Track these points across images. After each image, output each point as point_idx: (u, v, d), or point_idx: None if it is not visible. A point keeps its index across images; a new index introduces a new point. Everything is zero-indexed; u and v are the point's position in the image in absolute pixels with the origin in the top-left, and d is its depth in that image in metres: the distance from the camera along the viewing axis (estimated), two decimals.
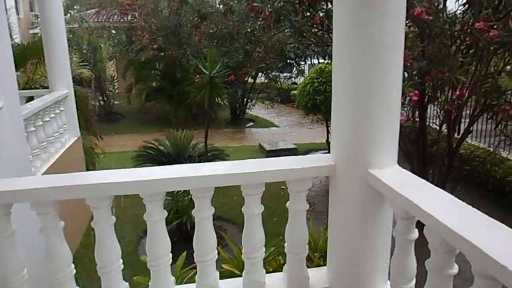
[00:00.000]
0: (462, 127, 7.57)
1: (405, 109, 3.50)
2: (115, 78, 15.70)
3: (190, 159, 7.27)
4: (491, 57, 3.85)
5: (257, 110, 13.69)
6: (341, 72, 1.83)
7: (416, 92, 3.04)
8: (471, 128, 5.48)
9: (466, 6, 3.49)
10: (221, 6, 6.17)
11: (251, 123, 13.48)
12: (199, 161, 6.97)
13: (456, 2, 3.54)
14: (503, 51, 3.72)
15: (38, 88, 7.44)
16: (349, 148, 1.79)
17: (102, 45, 15.14)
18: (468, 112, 5.44)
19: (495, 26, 3.61)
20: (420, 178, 1.63)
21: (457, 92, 3.65)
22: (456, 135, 6.42)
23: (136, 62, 14.34)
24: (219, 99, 6.55)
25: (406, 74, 3.47)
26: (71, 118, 6.48)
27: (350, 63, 1.77)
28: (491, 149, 7.19)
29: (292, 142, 10.52)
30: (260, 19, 4.45)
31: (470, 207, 1.37)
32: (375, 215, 1.80)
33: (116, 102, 15.69)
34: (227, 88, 6.89)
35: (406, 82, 3.10)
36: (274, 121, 13.66)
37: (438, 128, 5.70)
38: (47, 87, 6.53)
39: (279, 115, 14.31)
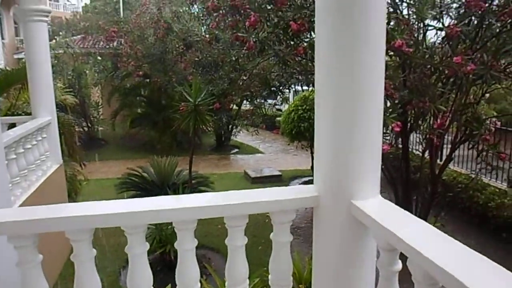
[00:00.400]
0: (445, 152, 7.71)
1: (388, 138, 3.55)
2: (99, 104, 15.65)
3: (174, 187, 7.21)
4: (470, 86, 3.96)
5: (242, 136, 13.72)
6: (322, 102, 1.86)
7: (398, 123, 3.09)
8: (453, 155, 5.58)
9: (445, 38, 3.61)
10: (206, 35, 6.24)
11: (236, 150, 13.49)
12: (183, 189, 6.91)
13: (435, 35, 3.66)
14: (481, 82, 3.83)
15: (21, 115, 7.36)
16: (332, 179, 1.80)
17: (87, 71, 15.14)
18: (450, 138, 5.55)
19: (472, 58, 3.75)
20: (403, 210, 1.64)
21: (438, 122, 3.72)
22: (438, 161, 6.52)
23: (121, 89, 14.35)
24: (203, 126, 6.56)
25: (388, 104, 3.54)
26: (54, 145, 6.40)
27: (331, 94, 1.80)
28: (473, 175, 7.31)
29: (277, 169, 10.53)
30: (245, 48, 4.51)
31: (453, 239, 1.38)
32: (359, 246, 1.79)
33: (101, 128, 15.60)
34: (212, 115, 6.91)
35: (388, 113, 3.16)
36: (259, 147, 13.70)
37: (421, 154, 5.79)
38: (30, 114, 6.46)
39: (264, 142, 14.36)
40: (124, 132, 14.37)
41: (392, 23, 4.02)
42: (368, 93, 1.76)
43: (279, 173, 10.16)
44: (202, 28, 7.90)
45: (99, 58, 15.53)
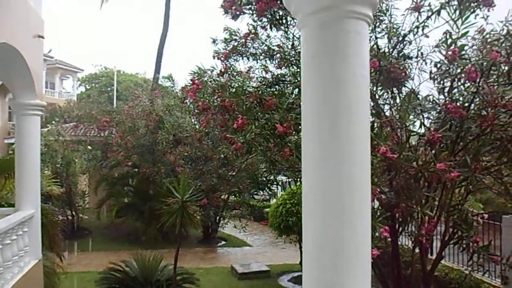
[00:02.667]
0: (435, 244, 7.59)
1: (375, 242, 3.50)
2: (86, 193, 15.48)
3: (158, 284, 6.91)
4: (454, 189, 4.03)
5: (230, 228, 13.49)
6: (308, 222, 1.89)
7: (386, 228, 3.09)
8: (443, 253, 5.49)
9: (427, 143, 3.74)
10: (197, 129, 6.41)
11: (224, 242, 13.18)
12: (167, 286, 6.63)
13: (418, 141, 3.79)
14: (466, 183, 3.91)
15: (3, 206, 7.22)
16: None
17: (76, 160, 15.18)
18: (440, 228, 5.51)
19: (456, 160, 3.87)
20: None
21: (426, 227, 3.73)
22: (429, 255, 6.39)
23: (109, 178, 14.31)
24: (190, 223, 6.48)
25: (375, 205, 3.56)
26: (34, 239, 6.20)
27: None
28: (466, 271, 7.14)
29: (265, 263, 10.22)
30: (232, 147, 4.61)
31: None
32: None
33: (86, 217, 15.25)
34: (200, 209, 6.86)
35: (376, 216, 3.17)
36: (247, 240, 13.40)
37: (411, 248, 5.68)
38: (13, 205, 6.35)
39: (252, 234, 14.08)
40: (109, 221, 14.05)
41: (375, 128, 4.19)
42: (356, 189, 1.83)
43: (267, 269, 9.84)
44: (193, 119, 8.11)
45: (89, 147, 15.67)
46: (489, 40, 3.91)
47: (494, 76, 3.77)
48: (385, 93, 5.21)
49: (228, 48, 5.90)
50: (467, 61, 3.61)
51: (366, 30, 2.13)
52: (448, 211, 4.08)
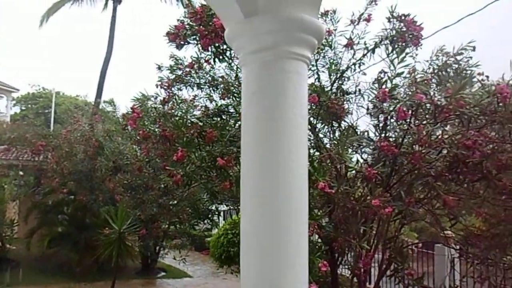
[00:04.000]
0: (373, 272, 7.80)
1: (314, 276, 3.54)
2: (15, 221, 14.44)
3: None
4: (390, 222, 4.19)
5: (170, 258, 13.07)
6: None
7: (325, 262, 3.13)
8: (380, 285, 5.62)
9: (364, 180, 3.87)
10: (138, 156, 6.24)
11: (163, 273, 12.69)
12: None
13: (355, 175, 3.91)
14: (401, 217, 4.09)
15: None
16: None
17: (5, 186, 14.21)
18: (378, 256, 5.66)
19: (391, 194, 4.04)
20: None
21: (363, 260, 3.83)
22: (369, 284, 6.52)
23: (42, 205, 13.46)
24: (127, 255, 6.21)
25: (314, 240, 3.60)
26: None
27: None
28: None
29: None
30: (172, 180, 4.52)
31: None
32: None
33: (13, 247, 14.17)
34: (139, 239, 6.61)
35: (314, 251, 3.21)
36: (187, 270, 12.99)
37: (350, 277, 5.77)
38: None
39: (193, 264, 13.69)
40: (40, 252, 13.13)
41: (316, 161, 4.30)
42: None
43: None
44: (134, 146, 7.90)
45: (21, 172, 14.74)
46: (418, 80, 4.16)
47: (423, 115, 4.01)
48: (326, 127, 5.39)
49: (172, 77, 5.87)
50: (397, 100, 3.82)
51: (305, 70, 2.20)
52: (384, 244, 4.23)
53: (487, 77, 4.04)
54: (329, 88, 5.17)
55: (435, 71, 4.72)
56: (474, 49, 4.75)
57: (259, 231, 1.96)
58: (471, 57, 4.71)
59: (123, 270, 11.88)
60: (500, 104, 3.32)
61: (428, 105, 3.72)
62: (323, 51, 5.24)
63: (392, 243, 4.25)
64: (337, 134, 5.16)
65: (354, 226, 3.61)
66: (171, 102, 5.85)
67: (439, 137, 3.81)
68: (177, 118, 5.10)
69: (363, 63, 5.21)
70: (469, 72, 4.64)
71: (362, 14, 5.25)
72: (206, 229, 9.84)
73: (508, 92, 3.23)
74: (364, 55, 5.28)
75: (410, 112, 3.83)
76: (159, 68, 5.85)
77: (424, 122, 3.95)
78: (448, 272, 6.67)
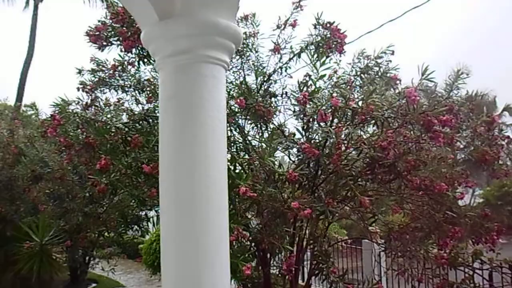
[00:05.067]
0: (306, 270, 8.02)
1: (239, 278, 3.56)
2: None
3: None
4: (314, 222, 4.32)
5: (102, 267, 12.54)
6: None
7: (249, 265, 3.16)
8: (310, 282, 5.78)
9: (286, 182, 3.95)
10: (59, 170, 5.89)
11: (94, 285, 12.12)
12: None
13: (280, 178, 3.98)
14: (324, 217, 4.22)
15: None
16: None
17: None
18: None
19: (314, 196, 4.17)
20: None
21: (287, 262, 3.91)
22: (302, 282, 6.67)
23: None
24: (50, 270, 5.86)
25: (238, 245, 3.62)
26: None
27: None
28: None
29: None
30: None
31: None
32: None
33: None
34: (66, 250, 6.27)
35: (239, 254, 3.22)
36: (120, 280, 12.52)
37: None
38: None
39: (126, 272, 13.23)
40: None
41: (244, 164, 4.33)
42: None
43: None
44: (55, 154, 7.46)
45: None
46: (338, 83, 4.34)
47: (342, 118, 4.18)
48: (255, 129, 5.45)
49: (95, 80, 5.63)
50: (317, 103, 3.95)
51: (223, 74, 2.19)
52: (309, 244, 4.35)
53: (400, 80, 4.31)
54: (256, 91, 5.23)
55: (358, 73, 4.97)
56: (393, 53, 5.05)
57: (177, 236, 1.95)
58: (390, 61, 5.01)
59: (50, 285, 11.17)
60: (410, 107, 3.54)
61: (347, 109, 3.88)
62: (247, 54, 5.30)
63: (317, 242, 4.38)
64: (266, 136, 5.24)
65: (277, 227, 3.67)
66: (94, 107, 5.62)
67: (359, 138, 3.99)
68: (101, 124, 4.90)
69: (289, 67, 5.34)
70: (389, 75, 4.94)
71: (288, 19, 5.37)
72: (137, 236, 9.53)
73: (415, 95, 3.45)
74: (290, 59, 5.41)
75: (330, 115, 3.97)
76: (80, 72, 5.59)
77: (344, 124, 4.11)
78: (373, 266, 7.02)
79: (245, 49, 5.38)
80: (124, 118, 5.49)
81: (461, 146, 4.94)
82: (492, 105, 37.29)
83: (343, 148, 3.87)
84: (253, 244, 4.09)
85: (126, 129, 4.71)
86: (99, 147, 4.46)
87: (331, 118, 4.03)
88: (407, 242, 4.81)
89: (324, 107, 3.84)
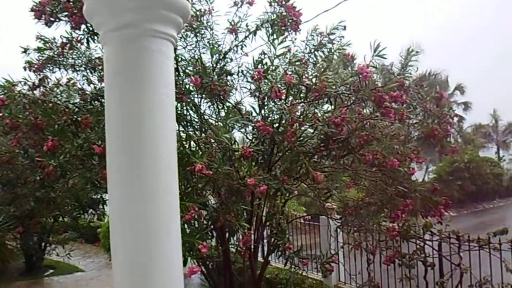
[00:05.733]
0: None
1: (195, 257, 3.56)
2: None
3: None
4: (271, 200, 4.38)
5: (60, 253, 12.22)
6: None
7: (205, 244, 3.15)
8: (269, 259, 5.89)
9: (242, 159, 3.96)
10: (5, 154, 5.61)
11: (52, 271, 11.81)
12: None
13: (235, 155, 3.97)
14: (279, 194, 4.27)
15: None
16: None
17: None
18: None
19: (270, 173, 4.20)
20: None
21: (242, 239, 3.94)
22: (261, 258, 6.78)
23: None
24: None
25: (196, 224, 3.61)
26: None
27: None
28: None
29: None
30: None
31: None
32: None
33: None
34: (18, 237, 6.04)
35: (195, 233, 3.21)
36: (78, 264, 12.28)
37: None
38: None
39: (85, 257, 13.00)
40: None
41: (200, 143, 4.28)
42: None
43: None
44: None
45: None
46: (292, 61, 4.35)
47: (297, 95, 4.20)
48: (211, 108, 5.40)
49: (43, 59, 5.37)
50: (272, 80, 3.94)
51: (171, 49, 2.12)
52: (266, 221, 4.41)
53: (353, 57, 4.36)
54: (212, 70, 5.15)
55: (312, 51, 4.99)
56: (345, 28, 5.10)
57: (125, 216, 1.89)
58: (343, 37, 5.06)
59: (4, 273, 10.82)
60: (363, 84, 3.59)
61: (301, 86, 3.90)
62: (202, 32, 5.20)
63: (274, 219, 4.44)
64: (222, 115, 5.19)
65: (234, 205, 3.68)
66: (43, 87, 5.38)
67: (313, 116, 4.03)
68: (50, 105, 4.69)
69: (245, 45, 5.30)
70: (342, 51, 4.99)
71: None
72: (93, 220, 9.32)
73: (367, 71, 3.51)
74: (246, 37, 5.36)
75: (284, 92, 3.97)
76: (25, 51, 5.31)
77: (298, 102, 4.13)
78: (329, 241, 7.21)
79: (200, 27, 5.28)
80: (78, 99, 5.29)
81: (412, 122, 5.09)
82: (444, 84, 38.75)
83: (297, 125, 3.89)
84: (210, 223, 4.08)
85: (76, 109, 4.54)
86: (47, 129, 4.27)
87: (285, 95, 4.03)
88: (361, 217, 4.96)
89: (278, 85, 3.83)
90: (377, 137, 4.54)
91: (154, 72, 1.99)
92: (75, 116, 4.33)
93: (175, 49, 5.09)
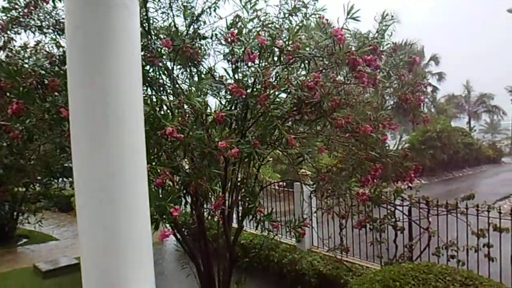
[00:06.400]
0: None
1: (166, 221, 3.55)
2: None
3: None
4: (245, 164, 4.37)
5: (33, 222, 12.09)
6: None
7: (176, 207, 3.14)
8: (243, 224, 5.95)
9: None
10: None
11: (25, 240, 11.70)
12: None
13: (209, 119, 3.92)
14: (252, 159, 4.27)
15: None
16: None
17: None
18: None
19: (244, 137, 4.18)
20: None
21: (215, 203, 3.95)
22: (235, 224, 6.87)
23: None
24: None
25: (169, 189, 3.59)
26: None
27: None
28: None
29: (74, 256, 9.51)
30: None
31: None
32: None
33: None
34: None
35: (166, 198, 3.19)
36: (53, 233, 12.19)
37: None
38: None
39: (59, 226, 12.91)
40: None
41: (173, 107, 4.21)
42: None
43: (77, 261, 9.17)
44: None
45: None
46: (266, 23, 4.27)
47: (270, 58, 4.14)
48: (184, 72, 5.30)
49: (7, 19, 5.12)
50: (245, 42, 3.87)
51: (136, 5, 2.03)
52: (238, 186, 4.42)
53: (327, 20, 4.30)
54: (185, 33, 5.03)
55: (286, 15, 4.90)
56: None
57: (89, 180, 1.82)
58: (317, 0, 4.97)
59: None
60: (337, 47, 3.57)
61: (275, 48, 3.84)
62: None
63: (246, 184, 4.46)
64: (196, 79, 5.11)
65: (206, 169, 3.67)
66: (8, 49, 5.16)
67: (287, 80, 3.99)
68: (15, 68, 4.51)
69: (218, 7, 5.15)
70: (316, 17, 4.91)
71: None
72: (65, 188, 9.18)
73: (342, 34, 3.48)
74: None
75: (257, 54, 3.91)
76: None
77: (271, 65, 4.08)
78: (303, 207, 7.34)
79: None
80: (44, 62, 5.09)
81: (387, 91, 5.12)
82: (420, 54, 39.08)
83: (271, 88, 3.86)
84: (182, 187, 4.06)
85: (43, 71, 4.37)
86: (11, 91, 4.11)
87: (258, 58, 3.97)
88: (334, 182, 5.03)
89: (251, 47, 3.76)
90: (351, 103, 4.55)
91: (117, 26, 1.90)
92: (42, 79, 4.17)
93: (147, 11, 4.94)
